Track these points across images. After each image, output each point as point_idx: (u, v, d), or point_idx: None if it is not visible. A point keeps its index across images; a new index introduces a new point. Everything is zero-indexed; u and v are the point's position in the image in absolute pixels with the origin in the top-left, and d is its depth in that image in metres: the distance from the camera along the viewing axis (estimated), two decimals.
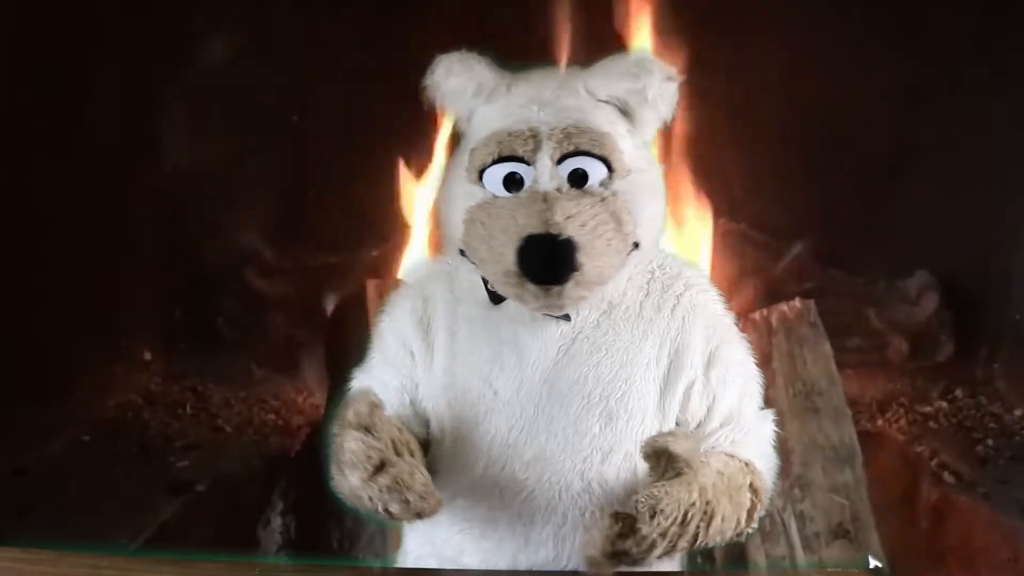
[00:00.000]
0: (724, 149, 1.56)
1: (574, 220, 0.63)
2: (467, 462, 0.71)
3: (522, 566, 0.70)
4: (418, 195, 1.54)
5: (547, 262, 0.63)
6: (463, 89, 0.70)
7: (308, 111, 1.62)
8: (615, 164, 0.67)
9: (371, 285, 1.29)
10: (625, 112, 0.70)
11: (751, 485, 0.69)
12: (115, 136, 1.50)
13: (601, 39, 1.47)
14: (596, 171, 0.66)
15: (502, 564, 0.71)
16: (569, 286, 0.63)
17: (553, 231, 0.62)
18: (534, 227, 0.62)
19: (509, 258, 0.63)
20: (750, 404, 0.74)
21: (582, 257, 0.63)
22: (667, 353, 0.71)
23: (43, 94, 1.34)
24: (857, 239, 1.67)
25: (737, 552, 1.06)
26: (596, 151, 0.66)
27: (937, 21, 1.52)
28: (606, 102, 0.69)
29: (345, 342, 1.28)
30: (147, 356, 1.65)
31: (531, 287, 0.63)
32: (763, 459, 0.72)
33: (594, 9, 1.50)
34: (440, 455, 0.73)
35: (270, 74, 1.60)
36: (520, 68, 0.73)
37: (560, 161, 0.66)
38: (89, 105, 1.44)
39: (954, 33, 1.52)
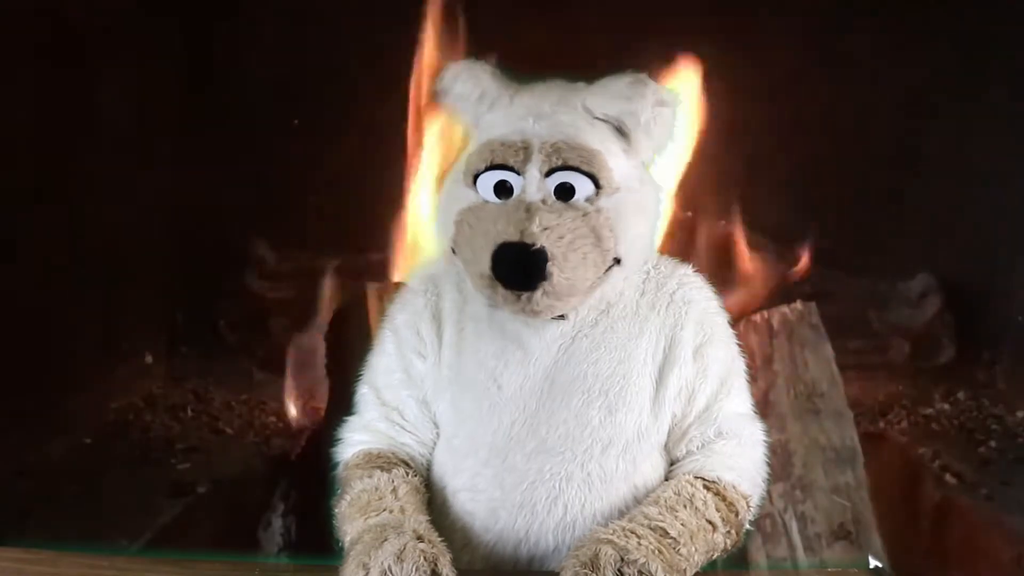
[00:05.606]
0: (727, 151, 1.56)
1: (551, 232, 0.65)
2: (470, 454, 0.73)
3: (523, 558, 0.72)
4: (419, 199, 1.54)
5: (516, 269, 0.66)
6: (468, 95, 0.73)
7: (309, 114, 1.62)
8: (603, 181, 0.69)
9: (371, 288, 1.30)
10: (621, 131, 0.71)
11: (717, 507, 0.70)
12: (117, 140, 1.50)
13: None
14: (583, 186, 0.68)
15: (504, 556, 0.72)
16: (538, 294, 0.66)
17: (527, 240, 0.65)
18: (510, 235, 0.65)
19: (484, 262, 0.66)
20: (731, 401, 0.75)
21: (552, 268, 0.65)
22: (662, 348, 0.73)
23: (47, 96, 1.35)
24: (859, 241, 1.67)
25: (738, 553, 1.06)
26: (584, 167, 0.68)
27: (940, 25, 1.52)
28: (602, 120, 0.71)
29: (346, 345, 1.29)
30: (148, 359, 1.65)
31: (502, 291, 0.66)
32: (739, 465, 0.74)
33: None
34: (444, 448, 0.76)
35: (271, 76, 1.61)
36: (529, 79, 0.74)
37: (549, 174, 0.68)
38: (92, 107, 1.45)
39: (957, 37, 1.52)
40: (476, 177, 0.70)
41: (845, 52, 1.56)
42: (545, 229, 0.65)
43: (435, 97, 0.74)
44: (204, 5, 1.61)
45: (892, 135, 1.61)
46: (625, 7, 1.53)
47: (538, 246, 0.65)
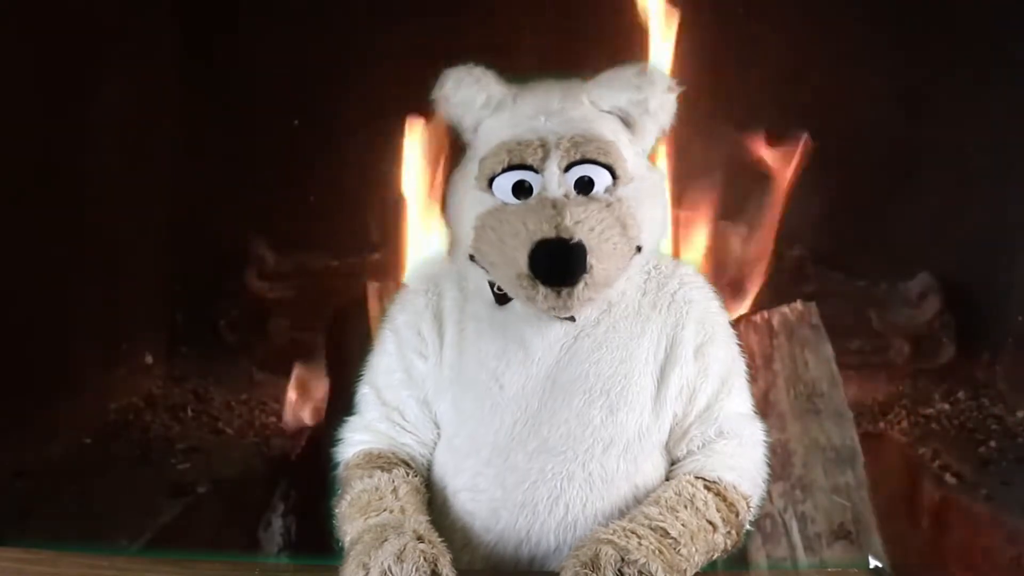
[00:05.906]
0: (726, 151, 1.57)
1: (583, 224, 0.66)
2: (472, 454, 0.73)
3: (524, 558, 0.72)
4: (418, 198, 1.54)
5: (559, 265, 0.65)
6: (472, 101, 0.73)
7: (309, 114, 1.62)
8: (619, 172, 0.70)
9: (371, 288, 1.30)
10: (626, 122, 0.72)
11: (717, 507, 0.70)
12: (117, 140, 1.50)
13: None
14: (601, 178, 0.69)
15: (505, 556, 0.72)
16: (579, 288, 0.66)
17: (564, 235, 0.65)
18: (545, 232, 0.65)
19: (521, 262, 0.65)
20: (731, 401, 0.75)
21: (592, 259, 0.65)
22: (663, 348, 0.73)
23: (48, 96, 1.35)
24: (859, 241, 1.67)
25: (738, 553, 1.06)
26: (602, 159, 0.69)
27: (938, 23, 1.52)
28: (609, 112, 0.72)
29: (346, 344, 1.29)
30: (148, 359, 1.65)
31: (543, 289, 0.66)
32: (740, 466, 0.74)
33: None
34: (445, 448, 0.76)
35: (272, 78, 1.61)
36: (520, 79, 0.74)
37: (567, 169, 0.69)
38: (92, 107, 1.45)
39: (955, 35, 1.52)
40: (491, 180, 0.70)
41: (844, 51, 1.56)
42: (578, 222, 0.65)
43: (434, 104, 0.74)
44: (204, 5, 1.61)
45: (891, 135, 1.61)
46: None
47: (576, 239, 0.65)
